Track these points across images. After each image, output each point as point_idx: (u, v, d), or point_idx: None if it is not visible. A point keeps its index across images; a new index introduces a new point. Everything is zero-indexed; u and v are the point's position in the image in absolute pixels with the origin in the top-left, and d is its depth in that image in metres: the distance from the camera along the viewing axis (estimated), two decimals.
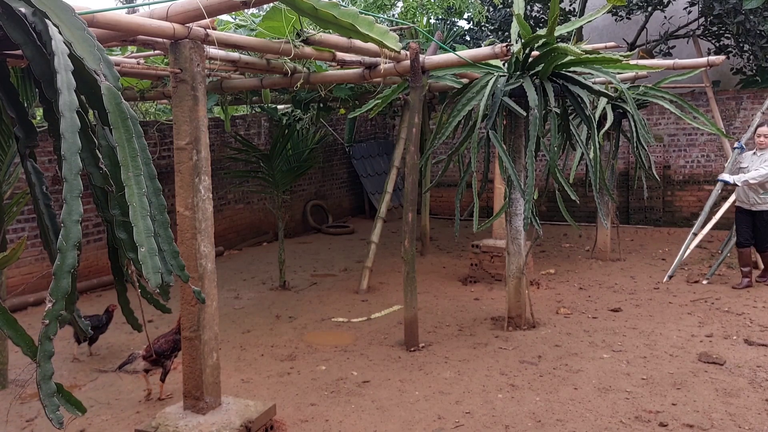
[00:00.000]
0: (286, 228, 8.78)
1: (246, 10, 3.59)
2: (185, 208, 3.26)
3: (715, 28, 9.79)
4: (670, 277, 7.02)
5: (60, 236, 1.70)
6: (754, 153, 6.51)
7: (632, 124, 6.19)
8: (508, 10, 10.80)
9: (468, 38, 11.37)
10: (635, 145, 6.35)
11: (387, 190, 7.38)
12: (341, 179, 11.88)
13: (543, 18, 10.90)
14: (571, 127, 5.35)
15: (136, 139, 1.92)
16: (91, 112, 2.01)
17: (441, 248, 9.10)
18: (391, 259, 8.30)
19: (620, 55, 4.90)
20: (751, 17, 8.79)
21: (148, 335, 3.94)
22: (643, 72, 6.65)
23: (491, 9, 10.82)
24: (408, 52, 4.75)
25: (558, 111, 5.02)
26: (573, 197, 5.20)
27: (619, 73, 6.03)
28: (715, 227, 8.22)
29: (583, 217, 10.13)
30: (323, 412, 3.96)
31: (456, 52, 4.78)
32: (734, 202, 8.02)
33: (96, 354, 5.15)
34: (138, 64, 4.71)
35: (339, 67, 5.02)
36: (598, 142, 5.25)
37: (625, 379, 4.35)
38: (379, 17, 6.84)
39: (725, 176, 6.70)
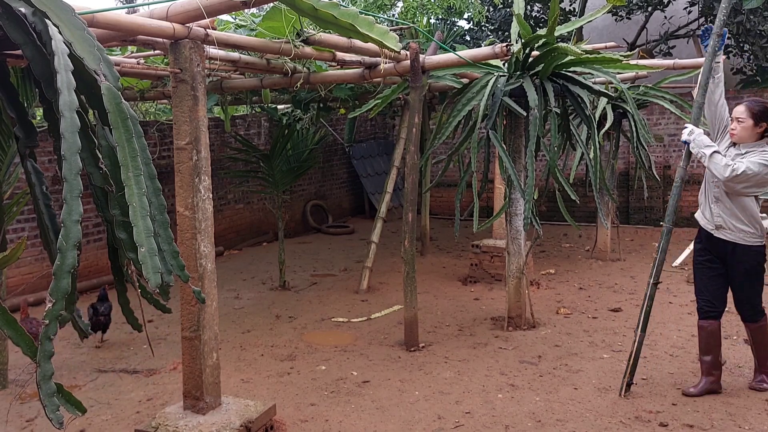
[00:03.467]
0: (286, 228, 8.77)
1: (246, 10, 3.59)
2: (185, 208, 3.26)
3: None
4: None
5: (60, 236, 1.70)
6: (733, 145, 3.84)
7: (632, 124, 6.20)
8: (508, 10, 10.80)
9: (468, 38, 11.38)
10: (635, 145, 6.36)
11: (387, 190, 7.37)
12: (341, 179, 11.88)
13: (543, 18, 10.91)
14: (571, 127, 5.35)
15: (136, 139, 1.92)
16: (91, 112, 2.01)
17: (441, 248, 9.10)
18: (391, 259, 8.30)
19: (620, 55, 4.90)
20: (751, 17, 8.80)
21: (148, 335, 3.94)
22: (643, 72, 6.65)
23: (491, 9, 10.82)
24: (408, 52, 4.75)
25: (558, 111, 5.02)
26: (573, 197, 5.20)
27: (619, 73, 6.04)
28: None
29: (583, 217, 10.13)
30: (323, 412, 3.96)
31: (456, 52, 4.78)
32: None
33: (106, 340, 5.36)
34: (138, 64, 4.71)
35: (339, 67, 5.02)
36: (598, 142, 5.25)
37: None
38: (379, 17, 6.84)
39: (688, 131, 3.85)
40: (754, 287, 3.91)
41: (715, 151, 3.72)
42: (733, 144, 3.84)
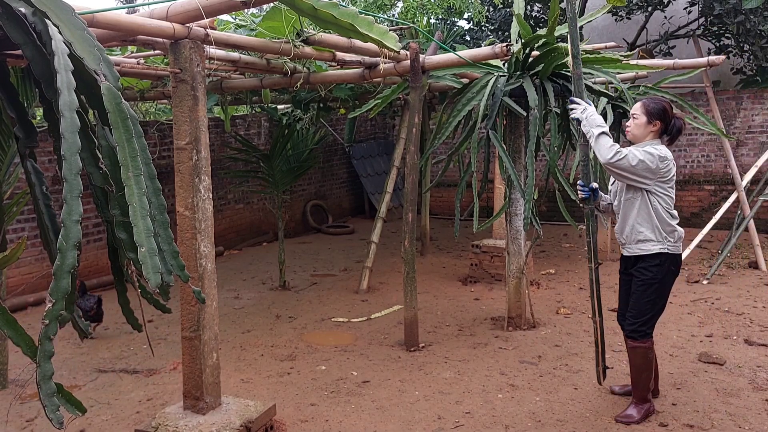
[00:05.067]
0: (286, 228, 8.78)
1: (246, 10, 3.58)
2: (185, 208, 3.26)
3: (715, 28, 9.79)
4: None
5: (60, 236, 1.70)
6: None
7: None
8: (508, 10, 10.80)
9: (468, 38, 11.37)
10: None
11: (387, 190, 7.37)
12: (341, 179, 11.88)
13: (543, 18, 10.91)
14: (571, 127, 5.35)
15: (136, 139, 1.92)
16: (91, 112, 2.01)
17: (441, 248, 9.10)
18: (391, 259, 8.30)
19: (620, 55, 4.90)
20: (752, 17, 8.79)
21: (148, 335, 3.94)
22: (643, 72, 6.64)
23: (491, 9, 10.82)
24: (408, 52, 4.75)
25: (558, 111, 5.02)
26: (573, 197, 5.19)
27: (619, 73, 6.03)
28: (714, 227, 8.23)
29: (583, 217, 10.10)
30: (323, 412, 3.96)
31: (456, 52, 4.77)
32: (735, 200, 7.99)
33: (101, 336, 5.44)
34: (138, 64, 4.71)
35: (339, 67, 5.02)
36: None
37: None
38: (379, 17, 6.84)
39: (581, 109, 3.63)
40: (644, 303, 3.66)
41: (602, 132, 3.50)
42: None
